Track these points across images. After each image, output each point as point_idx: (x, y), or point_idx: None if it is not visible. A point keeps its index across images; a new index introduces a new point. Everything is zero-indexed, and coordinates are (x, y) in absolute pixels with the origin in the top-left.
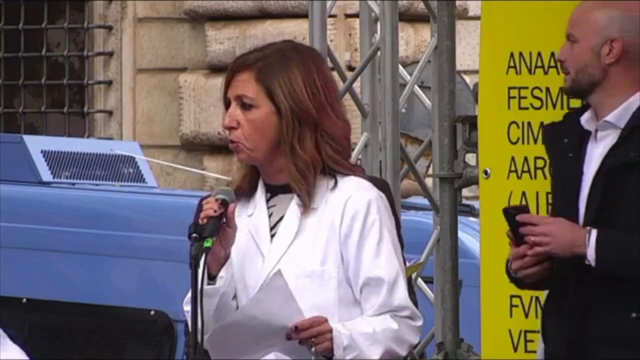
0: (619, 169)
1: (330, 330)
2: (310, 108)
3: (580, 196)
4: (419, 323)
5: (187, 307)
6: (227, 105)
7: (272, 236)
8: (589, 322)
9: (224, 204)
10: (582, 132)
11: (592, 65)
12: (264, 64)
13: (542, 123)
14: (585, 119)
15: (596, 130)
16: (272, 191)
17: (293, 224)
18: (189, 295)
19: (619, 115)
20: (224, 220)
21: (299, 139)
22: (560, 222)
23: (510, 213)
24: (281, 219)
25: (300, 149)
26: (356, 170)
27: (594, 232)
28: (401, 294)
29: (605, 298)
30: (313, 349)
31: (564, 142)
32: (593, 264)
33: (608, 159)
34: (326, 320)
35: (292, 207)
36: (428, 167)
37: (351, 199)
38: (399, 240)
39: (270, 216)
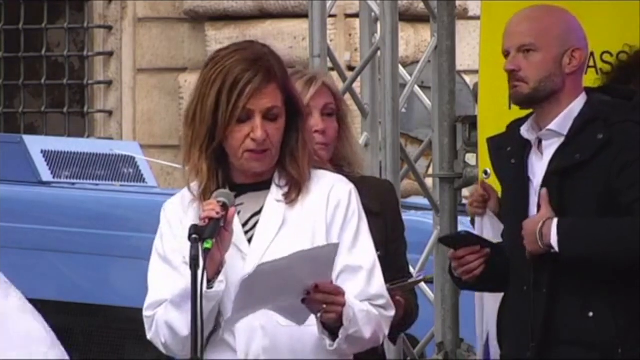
0: (566, 171)
1: (343, 305)
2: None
3: (530, 201)
4: (392, 313)
5: (149, 312)
6: (242, 116)
7: (246, 233)
8: (551, 323)
9: (225, 206)
10: (522, 141)
11: (556, 74)
12: (280, 72)
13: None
14: (526, 128)
15: (540, 141)
16: (239, 190)
17: (275, 220)
18: (151, 300)
19: (560, 122)
20: (223, 223)
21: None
22: (527, 222)
23: (449, 241)
24: (253, 215)
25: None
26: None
27: (555, 220)
28: (378, 282)
29: (565, 298)
30: (319, 314)
31: (507, 150)
32: (557, 249)
33: (554, 162)
34: (344, 294)
35: (270, 202)
36: (428, 167)
37: (334, 189)
38: (403, 242)
39: (239, 213)
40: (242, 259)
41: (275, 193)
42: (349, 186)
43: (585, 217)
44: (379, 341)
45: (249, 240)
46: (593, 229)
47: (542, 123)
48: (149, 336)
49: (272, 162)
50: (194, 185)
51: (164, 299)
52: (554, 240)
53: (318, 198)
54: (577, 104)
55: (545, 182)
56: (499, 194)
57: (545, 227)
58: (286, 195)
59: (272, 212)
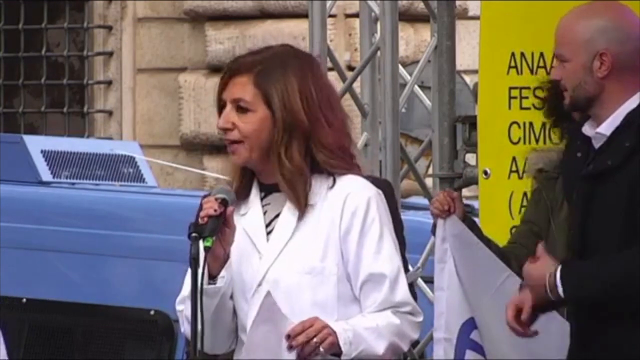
0: (598, 176)
1: (326, 326)
2: (303, 118)
3: None
4: (420, 319)
5: (180, 307)
6: (221, 106)
7: (268, 234)
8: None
9: (224, 203)
10: (585, 137)
11: (587, 81)
12: (263, 68)
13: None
14: (588, 125)
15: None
16: (266, 190)
17: (290, 222)
18: (183, 294)
19: (608, 126)
20: (223, 220)
21: (286, 148)
22: (536, 266)
23: None
24: (276, 216)
25: (286, 157)
26: (354, 168)
27: (558, 269)
28: (402, 290)
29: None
30: (321, 349)
31: (577, 143)
32: (563, 295)
33: (589, 166)
34: (316, 319)
35: (289, 205)
36: (428, 167)
37: (350, 196)
38: (402, 241)
39: (265, 214)
40: (259, 258)
41: None
42: (369, 193)
43: (612, 225)
44: (401, 350)
45: (268, 241)
46: (595, 270)
47: (597, 123)
48: (182, 330)
49: (250, 155)
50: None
51: (187, 294)
52: (560, 289)
53: (334, 204)
54: (628, 106)
55: (578, 186)
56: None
57: (551, 278)
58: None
59: (288, 216)
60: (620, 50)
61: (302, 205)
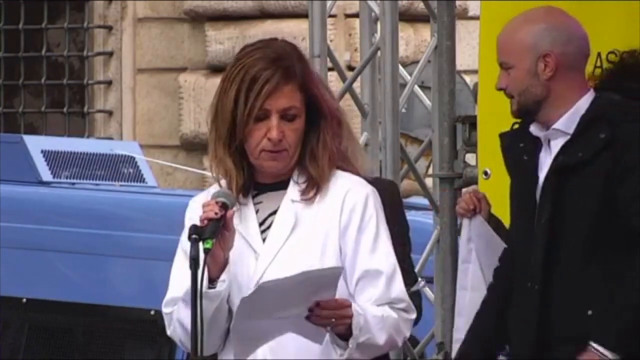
0: (568, 169)
1: (351, 317)
2: (334, 107)
3: (537, 199)
4: (413, 316)
5: (168, 309)
6: (258, 115)
7: (262, 232)
8: (551, 322)
9: (225, 206)
10: (533, 137)
11: (533, 84)
12: (301, 72)
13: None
14: (534, 126)
15: (548, 140)
16: (260, 189)
17: (288, 220)
18: (172, 295)
19: (566, 121)
20: (223, 223)
21: (333, 136)
22: None
23: None
24: (270, 215)
25: (329, 145)
26: (349, 166)
27: (592, 344)
28: (398, 286)
29: (564, 297)
30: (329, 328)
31: (520, 146)
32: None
33: (558, 158)
34: (350, 305)
35: (286, 203)
36: (428, 167)
37: (350, 192)
38: (407, 242)
39: (257, 212)
40: (255, 258)
41: (292, 192)
42: (367, 189)
43: (583, 220)
44: (396, 345)
45: (264, 240)
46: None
47: (548, 122)
48: (168, 333)
49: (289, 162)
50: (224, 182)
51: (179, 296)
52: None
53: (333, 200)
54: (583, 103)
55: (547, 179)
56: (491, 204)
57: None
58: (303, 192)
59: (287, 212)
60: (564, 51)
61: (320, 188)
